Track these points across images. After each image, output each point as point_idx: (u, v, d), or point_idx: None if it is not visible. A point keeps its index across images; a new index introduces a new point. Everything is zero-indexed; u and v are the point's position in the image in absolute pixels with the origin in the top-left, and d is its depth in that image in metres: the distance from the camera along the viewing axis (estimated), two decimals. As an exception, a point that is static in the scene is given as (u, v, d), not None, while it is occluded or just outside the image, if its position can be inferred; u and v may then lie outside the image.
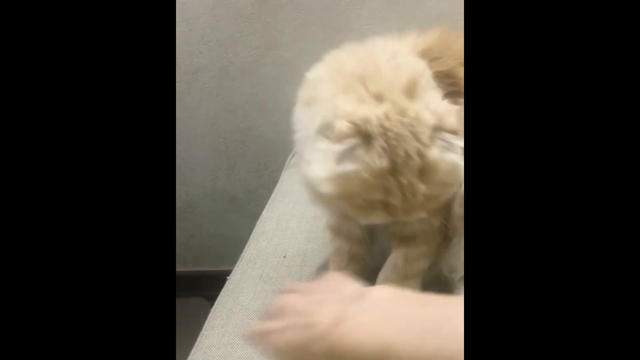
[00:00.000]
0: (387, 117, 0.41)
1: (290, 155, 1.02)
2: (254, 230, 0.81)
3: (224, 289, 0.69)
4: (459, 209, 0.54)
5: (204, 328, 0.62)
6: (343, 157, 0.42)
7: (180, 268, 1.35)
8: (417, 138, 0.41)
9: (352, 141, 0.41)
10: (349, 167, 0.42)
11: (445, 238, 0.57)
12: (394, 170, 0.41)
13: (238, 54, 1.11)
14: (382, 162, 0.41)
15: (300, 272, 0.68)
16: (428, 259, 0.57)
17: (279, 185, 0.94)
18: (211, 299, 0.69)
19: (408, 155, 0.41)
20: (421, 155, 0.41)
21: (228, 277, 0.72)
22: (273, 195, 0.91)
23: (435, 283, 0.60)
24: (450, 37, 0.55)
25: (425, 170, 0.42)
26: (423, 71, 0.47)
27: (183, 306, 1.21)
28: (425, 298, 0.35)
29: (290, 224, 0.79)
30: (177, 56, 1.12)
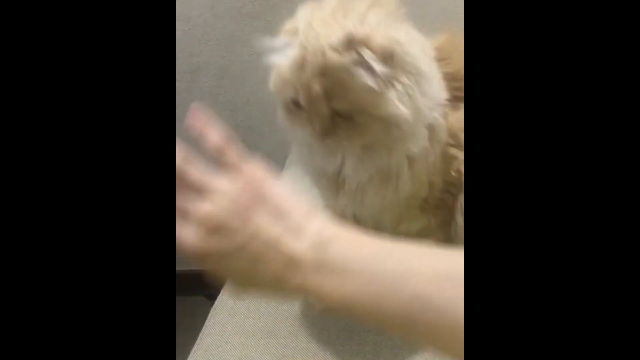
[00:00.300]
0: (318, 19, 0.44)
1: (291, 155, 1.02)
2: (255, 229, 0.81)
3: (224, 287, 0.69)
4: (461, 219, 0.54)
5: (204, 327, 0.62)
6: (277, 51, 0.47)
7: (181, 267, 1.35)
8: (328, 39, 0.42)
9: (286, 39, 0.46)
10: (276, 60, 0.47)
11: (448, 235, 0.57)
12: (302, 66, 0.43)
13: (238, 53, 1.11)
14: (294, 56, 0.44)
15: (300, 271, 0.68)
16: None
17: (279, 184, 0.94)
18: (212, 297, 0.69)
19: (314, 53, 0.43)
20: (324, 55, 0.42)
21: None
22: (273, 194, 0.91)
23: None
24: (458, 38, 0.55)
25: (325, 72, 0.42)
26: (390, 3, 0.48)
27: (184, 305, 1.21)
28: (382, 248, 0.33)
29: (291, 223, 0.79)
30: (177, 55, 1.12)
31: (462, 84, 0.51)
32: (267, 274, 0.32)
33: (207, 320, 0.63)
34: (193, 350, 0.59)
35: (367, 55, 0.41)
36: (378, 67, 0.41)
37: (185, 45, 1.11)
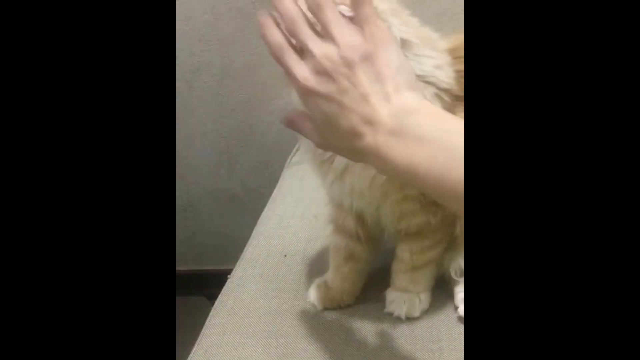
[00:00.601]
0: None
1: (291, 154, 1.02)
2: (255, 229, 0.81)
3: (224, 287, 0.69)
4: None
5: (204, 327, 0.62)
6: None
7: (181, 267, 1.36)
8: None
9: None
10: None
11: (451, 235, 0.58)
12: None
13: (239, 52, 1.11)
14: None
15: (301, 271, 0.68)
16: (434, 250, 0.58)
17: (279, 184, 0.94)
18: (212, 297, 0.69)
19: None
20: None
21: (229, 276, 0.72)
22: (274, 194, 0.91)
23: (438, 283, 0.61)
24: None
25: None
26: None
27: (184, 305, 1.21)
28: (458, 124, 0.35)
29: (291, 223, 0.79)
30: (178, 55, 1.12)
31: None
32: (347, 125, 0.36)
33: (207, 321, 0.63)
34: (193, 351, 0.59)
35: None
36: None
37: (186, 44, 1.11)
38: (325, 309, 0.61)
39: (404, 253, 0.58)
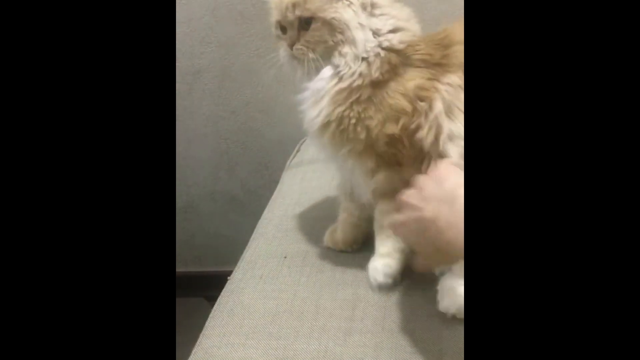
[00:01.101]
0: None
1: (291, 156, 1.02)
2: (255, 230, 0.81)
3: (224, 289, 0.69)
4: (449, 154, 0.56)
5: (204, 328, 0.62)
6: None
7: (180, 268, 1.36)
8: None
9: None
10: None
11: None
12: None
13: (239, 54, 1.11)
14: None
15: (300, 272, 0.68)
16: None
17: (279, 185, 0.94)
18: (212, 299, 0.69)
19: None
20: None
21: (229, 278, 0.72)
22: (274, 195, 0.91)
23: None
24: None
25: None
26: None
27: (184, 306, 1.21)
28: None
29: (291, 225, 0.79)
30: (178, 57, 1.12)
31: (449, 52, 0.58)
32: (432, 241, 0.44)
33: (207, 322, 0.63)
34: (193, 352, 0.59)
35: None
36: None
37: (186, 47, 1.11)
38: (329, 249, 0.71)
39: (377, 213, 0.64)
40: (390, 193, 0.60)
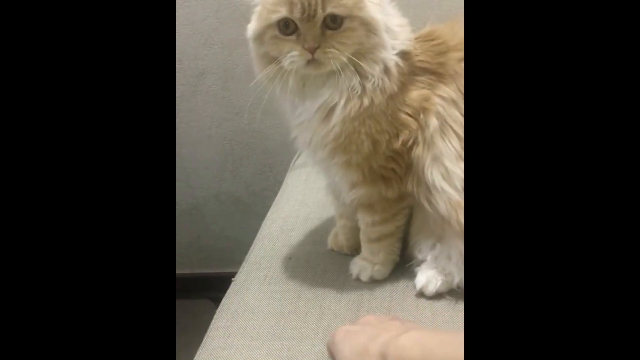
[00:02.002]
0: None
1: (295, 157, 1.02)
2: (259, 231, 0.81)
3: (229, 290, 0.69)
4: (428, 175, 0.55)
5: (209, 329, 0.62)
6: None
7: (185, 270, 1.36)
8: None
9: None
10: None
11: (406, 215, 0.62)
12: None
13: (242, 56, 1.11)
14: None
15: (305, 273, 0.68)
16: (386, 226, 0.62)
17: (283, 186, 0.94)
18: (217, 300, 0.69)
19: None
20: None
21: (233, 279, 0.72)
22: (278, 196, 0.91)
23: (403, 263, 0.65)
24: (458, 25, 0.57)
25: None
26: None
27: (189, 308, 1.22)
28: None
29: (296, 226, 0.79)
30: (182, 59, 1.12)
31: (444, 60, 0.55)
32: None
33: (212, 323, 0.63)
34: (198, 353, 0.59)
35: None
36: None
37: (190, 48, 1.12)
38: (334, 250, 0.70)
39: (361, 224, 0.64)
40: (368, 206, 0.60)
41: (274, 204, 0.89)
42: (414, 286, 0.61)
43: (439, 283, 0.60)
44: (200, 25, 1.10)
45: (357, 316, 0.60)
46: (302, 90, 0.55)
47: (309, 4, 0.48)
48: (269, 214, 0.86)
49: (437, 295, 0.61)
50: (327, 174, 0.63)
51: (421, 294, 0.61)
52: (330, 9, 0.49)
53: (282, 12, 0.50)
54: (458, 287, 0.60)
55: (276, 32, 0.52)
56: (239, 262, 0.76)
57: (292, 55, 0.51)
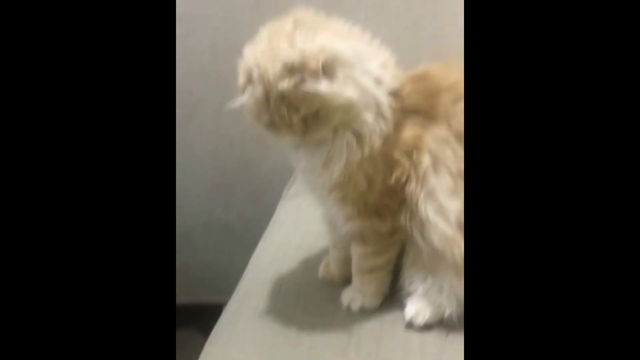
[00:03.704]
0: (261, 56, 0.54)
1: (287, 186, 1.04)
2: (251, 260, 0.82)
3: (220, 319, 0.69)
4: (422, 210, 0.57)
5: (200, 358, 0.62)
6: (243, 93, 0.59)
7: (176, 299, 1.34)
8: (274, 73, 0.53)
9: (244, 82, 0.58)
10: (244, 99, 0.58)
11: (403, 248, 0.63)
12: (267, 98, 0.54)
13: (236, 89, 1.14)
14: (257, 92, 0.55)
15: (296, 302, 0.68)
16: (377, 259, 0.64)
17: (275, 215, 0.95)
18: (206, 330, 0.68)
19: (269, 86, 0.53)
20: (276, 86, 0.53)
21: (224, 308, 0.72)
22: (270, 225, 0.92)
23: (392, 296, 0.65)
24: (450, 66, 0.60)
25: (284, 96, 0.53)
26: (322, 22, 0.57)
27: (178, 338, 1.19)
28: None
29: (287, 254, 0.79)
30: (177, 90, 1.14)
31: (436, 101, 0.57)
32: None
33: (201, 354, 0.63)
34: (187, 384, 0.58)
35: (306, 73, 0.51)
36: (315, 74, 0.52)
37: (186, 81, 1.14)
38: (325, 280, 0.71)
39: (354, 255, 0.65)
40: (361, 238, 0.62)
41: (265, 233, 0.89)
42: (404, 317, 0.62)
43: (428, 314, 0.60)
44: (196, 58, 1.12)
45: (347, 346, 0.60)
46: (302, 144, 0.59)
47: (283, 116, 0.54)
48: (260, 242, 0.86)
49: (427, 327, 0.61)
50: (324, 206, 0.65)
51: (410, 325, 0.61)
52: (303, 112, 0.54)
53: (265, 119, 0.56)
54: (448, 319, 0.60)
55: (268, 125, 0.57)
56: (229, 291, 0.76)
57: (285, 139, 0.57)
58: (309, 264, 0.76)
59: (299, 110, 0.53)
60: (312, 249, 0.80)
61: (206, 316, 0.80)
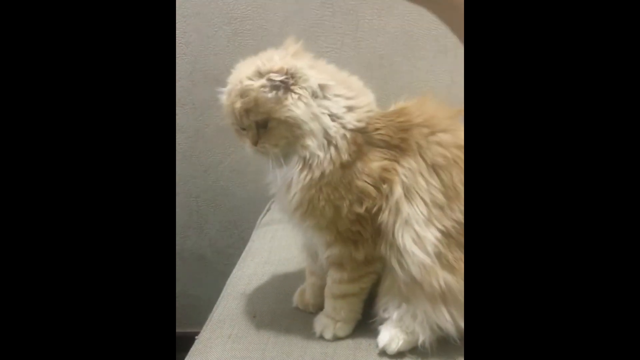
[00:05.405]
0: (244, 65, 0.62)
1: (261, 215, 1.04)
2: (224, 289, 0.81)
3: (192, 349, 0.68)
4: (399, 238, 0.59)
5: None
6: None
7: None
8: (245, 73, 0.60)
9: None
10: (221, 97, 0.64)
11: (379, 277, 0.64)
12: (229, 93, 0.61)
13: (213, 117, 1.15)
14: (228, 91, 0.61)
15: (269, 331, 0.68)
16: (351, 286, 0.65)
17: (249, 244, 0.95)
18: (177, 361, 0.67)
19: (235, 83, 0.60)
20: (241, 82, 0.60)
21: (196, 338, 0.70)
22: (243, 254, 0.91)
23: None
24: (427, 101, 0.64)
25: (242, 94, 0.59)
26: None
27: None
28: None
29: (261, 283, 0.79)
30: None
31: (408, 135, 0.60)
32: None
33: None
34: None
35: (270, 76, 0.58)
36: (277, 79, 0.58)
37: (161, 108, 1.14)
38: (299, 309, 0.72)
39: (328, 279, 0.66)
40: (339, 264, 0.63)
41: (239, 261, 0.89)
42: (377, 344, 0.62)
43: (401, 342, 0.61)
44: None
45: (321, 375, 0.60)
46: (275, 165, 0.63)
47: (239, 116, 0.60)
48: (233, 271, 0.86)
49: (400, 354, 0.62)
50: (303, 235, 0.67)
51: (384, 352, 0.62)
52: (252, 118, 0.60)
53: (229, 121, 0.64)
54: (422, 346, 0.61)
55: (237, 127, 0.64)
56: (201, 321, 0.74)
57: (247, 147, 0.63)
58: (283, 293, 0.76)
59: (250, 114, 0.59)
60: (285, 278, 0.80)
61: (178, 347, 0.78)
